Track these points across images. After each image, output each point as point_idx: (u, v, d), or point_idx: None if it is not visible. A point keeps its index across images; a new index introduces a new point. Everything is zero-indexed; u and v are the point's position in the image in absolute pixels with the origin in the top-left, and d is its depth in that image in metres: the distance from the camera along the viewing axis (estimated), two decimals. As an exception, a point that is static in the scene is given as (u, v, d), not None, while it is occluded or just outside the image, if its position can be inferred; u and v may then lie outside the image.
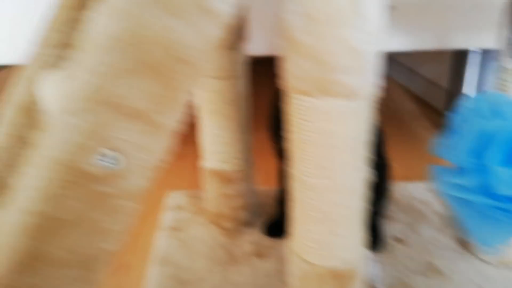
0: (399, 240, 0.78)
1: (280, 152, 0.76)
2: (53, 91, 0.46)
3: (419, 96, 1.63)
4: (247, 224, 0.82)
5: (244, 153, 0.77)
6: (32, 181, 0.33)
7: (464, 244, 0.75)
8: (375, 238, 0.74)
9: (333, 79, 0.40)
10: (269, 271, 0.71)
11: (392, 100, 1.64)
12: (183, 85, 0.38)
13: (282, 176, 0.72)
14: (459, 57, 1.30)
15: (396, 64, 1.79)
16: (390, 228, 0.81)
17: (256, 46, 0.74)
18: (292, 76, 0.43)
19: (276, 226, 0.78)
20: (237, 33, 0.68)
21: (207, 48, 0.39)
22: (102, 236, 0.37)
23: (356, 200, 0.48)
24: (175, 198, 0.93)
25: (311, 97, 0.42)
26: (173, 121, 0.39)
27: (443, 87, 1.42)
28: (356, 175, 0.47)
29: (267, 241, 0.78)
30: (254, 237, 0.80)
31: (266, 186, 0.87)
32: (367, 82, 0.42)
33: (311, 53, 0.40)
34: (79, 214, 0.35)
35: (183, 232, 0.81)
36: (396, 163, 1.08)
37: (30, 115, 0.51)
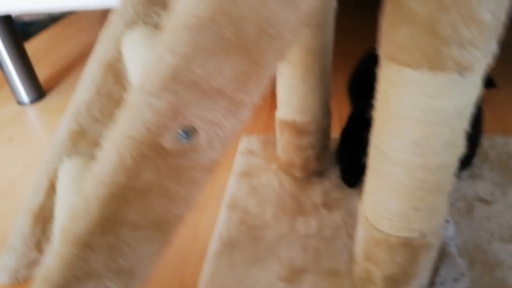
0: (484, 201, 0.73)
1: (356, 114, 0.73)
2: (135, 52, 0.46)
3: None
4: (319, 174, 0.82)
5: (320, 105, 0.74)
6: (108, 154, 0.35)
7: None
8: None
9: (447, 53, 0.35)
10: (337, 223, 0.71)
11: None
12: (271, 61, 0.36)
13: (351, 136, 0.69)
14: None
15: None
16: (475, 187, 0.76)
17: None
18: (397, 45, 0.38)
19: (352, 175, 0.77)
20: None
21: (302, 22, 0.36)
22: (174, 203, 0.39)
23: (446, 177, 0.45)
24: (248, 142, 0.94)
25: (416, 70, 0.38)
26: (255, 97, 0.37)
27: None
28: (452, 152, 0.43)
29: (337, 192, 0.78)
30: (325, 187, 0.79)
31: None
32: (484, 56, 0.37)
33: (426, 24, 0.35)
34: (153, 184, 0.37)
35: (254, 178, 0.83)
36: (490, 112, 0.98)
37: (115, 72, 0.52)
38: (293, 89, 0.72)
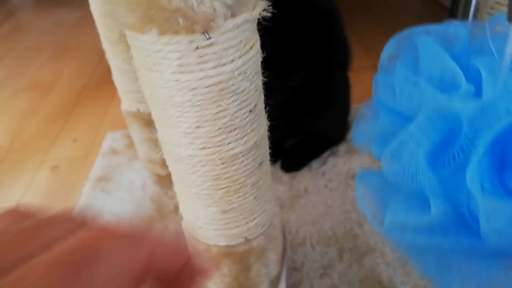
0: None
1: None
2: None
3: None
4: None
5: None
6: None
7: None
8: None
9: (167, 5, 0.25)
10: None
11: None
12: None
13: None
14: None
15: None
16: (351, 163, 0.68)
17: None
18: (115, 7, 0.28)
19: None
20: None
21: None
22: None
23: (242, 170, 0.35)
24: (112, 139, 0.82)
25: (146, 34, 0.27)
26: None
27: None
28: (238, 136, 0.33)
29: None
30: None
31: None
32: (229, 4, 0.27)
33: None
34: None
35: (112, 182, 0.71)
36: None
37: None
38: (126, 73, 0.60)
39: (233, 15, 0.27)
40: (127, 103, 0.65)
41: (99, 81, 1.10)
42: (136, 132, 0.68)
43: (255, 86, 0.32)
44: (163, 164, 0.66)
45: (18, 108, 1.03)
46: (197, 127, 0.31)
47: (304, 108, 0.64)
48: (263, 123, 0.35)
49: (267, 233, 0.41)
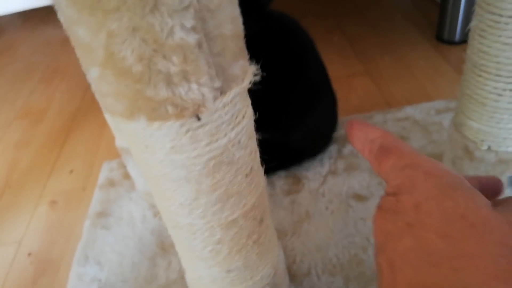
0: (359, 198, 0.66)
1: None
2: None
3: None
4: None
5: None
6: None
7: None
8: None
9: (154, 96, 0.24)
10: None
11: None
12: None
13: None
14: None
15: None
16: (350, 181, 0.68)
17: None
18: (102, 94, 0.27)
19: None
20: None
21: None
22: None
23: (243, 232, 0.35)
24: (109, 169, 0.81)
25: (136, 122, 0.27)
26: None
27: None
28: (238, 204, 0.33)
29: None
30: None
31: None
32: (216, 86, 0.26)
33: (106, 60, 0.23)
34: None
35: (112, 217, 0.71)
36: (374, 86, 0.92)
37: None
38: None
39: (223, 93, 0.27)
40: (120, 140, 0.64)
41: (91, 105, 1.09)
42: (132, 166, 0.67)
43: (249, 150, 0.32)
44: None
45: (12, 138, 1.02)
46: (194, 199, 0.31)
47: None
48: (261, 181, 0.34)
49: (272, 283, 0.40)
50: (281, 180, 0.71)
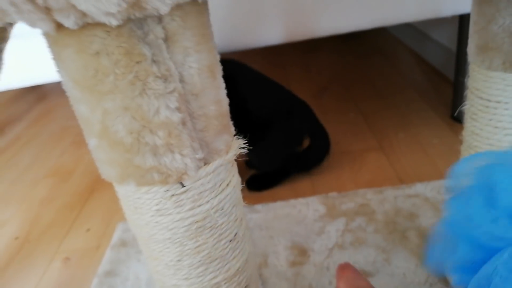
0: (365, 274, 0.65)
1: None
2: None
3: (431, 63, 1.43)
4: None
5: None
6: None
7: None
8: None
9: (142, 165, 0.28)
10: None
11: (400, 68, 1.46)
12: None
13: None
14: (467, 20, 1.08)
15: (409, 28, 1.58)
16: (356, 256, 0.67)
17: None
18: (97, 160, 0.31)
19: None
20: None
21: None
22: None
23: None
24: (122, 230, 0.84)
25: (126, 186, 0.30)
26: None
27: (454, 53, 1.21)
28: (221, 265, 0.34)
29: None
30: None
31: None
32: (199, 156, 0.29)
33: (108, 134, 0.27)
34: None
35: (119, 277, 0.72)
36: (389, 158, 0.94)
37: None
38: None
39: (206, 163, 0.30)
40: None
41: (115, 167, 1.15)
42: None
43: (234, 217, 0.34)
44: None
45: (38, 195, 1.08)
46: (178, 260, 0.33)
47: None
48: (246, 248, 0.36)
49: None
50: (287, 250, 0.72)
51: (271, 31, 0.75)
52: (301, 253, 0.71)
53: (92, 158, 0.88)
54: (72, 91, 0.27)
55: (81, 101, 0.27)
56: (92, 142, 0.29)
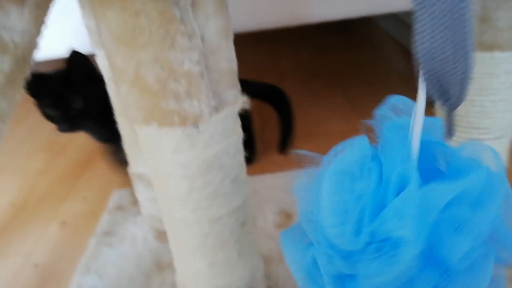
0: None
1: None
2: None
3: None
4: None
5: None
6: None
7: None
8: None
9: (167, 107, 0.34)
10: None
11: (388, 59, 1.54)
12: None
13: None
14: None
15: (396, 20, 1.67)
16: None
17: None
18: (125, 105, 0.37)
19: None
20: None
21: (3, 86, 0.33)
22: None
23: (226, 229, 0.42)
24: (119, 197, 0.90)
25: (149, 127, 0.36)
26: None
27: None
28: (222, 204, 0.41)
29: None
30: (189, 239, 0.76)
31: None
32: (212, 105, 0.36)
33: (136, 81, 0.33)
34: None
35: (115, 237, 0.78)
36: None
37: None
38: (133, 141, 0.69)
39: (217, 111, 0.36)
40: (134, 166, 0.73)
41: (109, 142, 1.20)
42: (140, 191, 0.75)
43: (237, 161, 0.40)
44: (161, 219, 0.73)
45: (34, 167, 1.12)
46: (188, 194, 0.39)
47: None
48: (245, 190, 0.43)
49: (249, 285, 0.47)
50: (274, 215, 0.79)
51: (263, 15, 0.81)
52: (287, 217, 0.78)
53: (85, 135, 0.91)
54: (110, 46, 0.33)
55: (117, 54, 0.33)
56: (123, 89, 0.35)
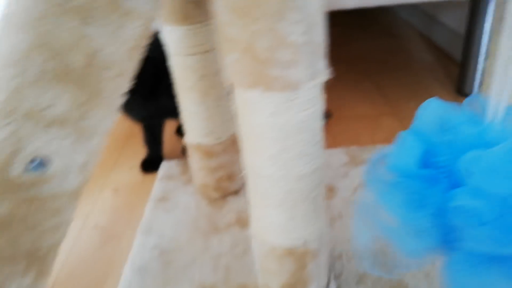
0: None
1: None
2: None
3: (438, 45, 1.55)
4: (233, 193, 0.84)
5: (222, 127, 0.77)
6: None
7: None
8: None
9: (272, 74, 0.39)
10: (248, 239, 0.73)
11: (409, 48, 1.57)
12: (109, 88, 0.38)
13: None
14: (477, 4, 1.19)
15: (417, 11, 1.69)
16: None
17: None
18: (234, 70, 0.42)
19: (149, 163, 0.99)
20: (201, 7, 0.65)
21: (132, 48, 0.38)
22: (41, 233, 0.39)
23: (309, 186, 0.48)
24: (167, 167, 0.96)
25: (254, 90, 0.41)
26: (105, 124, 0.39)
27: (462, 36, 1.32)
28: (308, 162, 0.46)
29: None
30: (239, 206, 0.82)
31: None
32: (310, 74, 0.40)
33: (248, 49, 0.38)
34: (13, 215, 0.37)
35: (170, 202, 0.84)
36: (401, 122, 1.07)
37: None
38: (193, 114, 0.75)
39: (313, 79, 0.41)
40: (190, 137, 0.79)
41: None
42: (196, 160, 0.81)
43: (319, 127, 0.45)
44: (215, 188, 0.79)
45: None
46: (278, 153, 0.44)
47: None
48: (322, 153, 0.48)
49: (320, 240, 0.52)
50: (316, 187, 0.84)
51: None
52: (329, 190, 0.83)
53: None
54: (225, 18, 0.38)
55: (232, 25, 0.38)
56: (233, 56, 0.40)
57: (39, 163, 0.37)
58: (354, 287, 0.62)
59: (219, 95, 0.74)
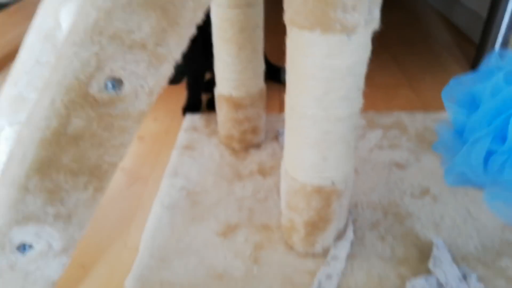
0: (399, 166, 0.83)
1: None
2: (69, 19, 0.50)
3: (457, 25, 1.58)
4: (256, 146, 0.89)
5: (254, 80, 0.80)
6: (42, 101, 0.39)
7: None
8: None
9: (334, 16, 0.42)
10: (270, 187, 0.78)
11: (428, 26, 1.60)
12: (188, 20, 0.41)
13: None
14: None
15: None
16: (393, 155, 0.85)
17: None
18: (295, 10, 0.45)
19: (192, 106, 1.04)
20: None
21: None
22: (106, 151, 0.43)
23: (347, 129, 0.52)
24: (191, 120, 1.00)
25: (311, 32, 0.44)
26: (176, 53, 0.43)
27: (482, 18, 1.35)
28: (349, 106, 0.50)
29: (272, 161, 0.85)
30: (261, 157, 0.86)
31: (274, 112, 0.93)
32: (367, 21, 0.44)
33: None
34: (84, 131, 0.41)
35: (196, 151, 0.88)
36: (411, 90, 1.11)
37: (53, 42, 0.56)
38: (228, 65, 0.78)
39: (368, 25, 0.45)
40: (221, 88, 0.82)
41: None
42: (224, 112, 0.85)
43: (364, 73, 0.49)
44: (239, 140, 0.83)
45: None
46: (325, 94, 0.48)
47: None
48: (361, 99, 0.52)
49: (346, 182, 0.57)
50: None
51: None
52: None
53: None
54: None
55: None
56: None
57: (115, 84, 0.40)
58: (367, 233, 0.67)
59: (254, 49, 0.77)
